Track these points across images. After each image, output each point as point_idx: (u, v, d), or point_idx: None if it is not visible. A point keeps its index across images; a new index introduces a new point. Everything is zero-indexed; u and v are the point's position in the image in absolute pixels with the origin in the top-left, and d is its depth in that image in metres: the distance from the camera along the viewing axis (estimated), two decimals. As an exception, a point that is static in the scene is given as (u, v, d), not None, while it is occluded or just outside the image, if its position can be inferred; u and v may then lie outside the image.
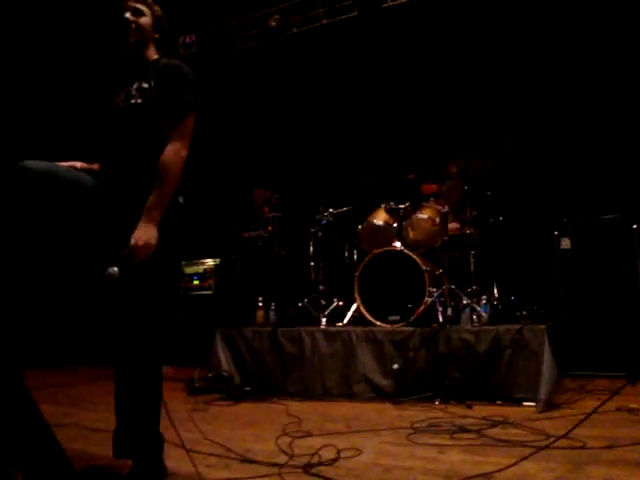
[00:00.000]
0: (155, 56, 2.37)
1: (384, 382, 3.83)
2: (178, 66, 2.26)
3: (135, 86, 2.24)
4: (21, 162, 1.93)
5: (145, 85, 2.23)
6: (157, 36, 2.37)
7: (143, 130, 2.21)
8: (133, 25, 2.26)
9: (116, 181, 2.19)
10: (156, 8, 2.37)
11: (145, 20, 2.30)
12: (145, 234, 2.04)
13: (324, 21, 5.94)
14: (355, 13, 5.79)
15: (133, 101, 2.22)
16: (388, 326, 4.03)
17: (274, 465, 2.35)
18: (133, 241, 2.02)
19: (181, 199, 2.25)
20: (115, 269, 1.97)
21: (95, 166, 2.34)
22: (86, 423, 3.23)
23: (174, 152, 2.14)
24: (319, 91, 6.10)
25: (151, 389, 2.20)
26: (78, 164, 2.26)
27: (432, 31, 5.55)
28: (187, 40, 6.62)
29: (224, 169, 6.49)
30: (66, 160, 2.20)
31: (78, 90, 6.12)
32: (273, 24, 6.02)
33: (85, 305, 5.81)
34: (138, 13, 2.29)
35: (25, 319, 5.33)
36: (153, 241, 2.05)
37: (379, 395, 3.81)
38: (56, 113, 6.23)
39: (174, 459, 2.29)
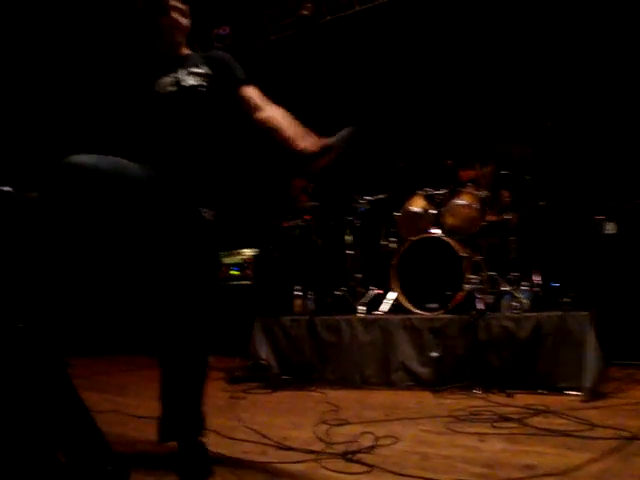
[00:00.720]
0: (187, 51, 2.40)
1: (422, 370, 3.79)
2: (225, 54, 2.37)
3: (184, 72, 2.24)
4: (66, 158, 1.90)
5: (197, 70, 2.25)
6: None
7: (201, 110, 2.23)
8: (181, 26, 2.32)
9: (176, 165, 2.18)
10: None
11: (188, 22, 2.35)
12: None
13: (357, 7, 5.88)
14: (387, -1, 5.72)
15: (184, 84, 2.22)
16: (426, 314, 3.98)
17: (311, 452, 2.35)
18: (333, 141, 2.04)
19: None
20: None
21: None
22: (124, 409, 3.31)
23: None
24: (353, 78, 6.04)
25: (202, 374, 2.26)
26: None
27: (466, 15, 5.42)
28: (221, 32, 6.64)
29: (261, 159, 6.50)
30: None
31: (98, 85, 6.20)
32: (305, 12, 5.98)
33: (128, 294, 5.91)
34: (184, 14, 2.34)
35: (70, 310, 5.46)
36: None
37: (418, 383, 3.77)
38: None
39: (211, 445, 2.30)
